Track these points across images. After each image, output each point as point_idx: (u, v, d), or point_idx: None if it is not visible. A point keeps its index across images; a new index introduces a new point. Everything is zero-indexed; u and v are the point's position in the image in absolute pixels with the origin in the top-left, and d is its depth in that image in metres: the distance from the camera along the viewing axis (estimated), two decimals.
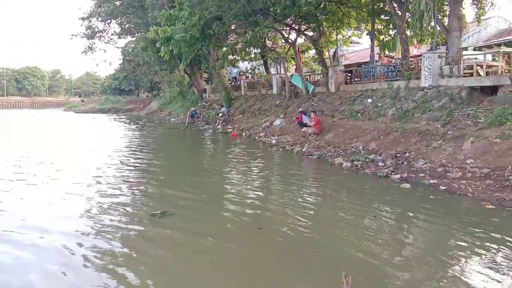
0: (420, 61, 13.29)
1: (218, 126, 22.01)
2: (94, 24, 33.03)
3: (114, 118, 36.88)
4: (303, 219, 6.40)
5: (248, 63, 29.69)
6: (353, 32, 22.79)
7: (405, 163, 9.69)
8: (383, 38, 18.54)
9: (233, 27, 20.81)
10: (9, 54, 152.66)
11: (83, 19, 32.41)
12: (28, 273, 4.59)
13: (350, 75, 17.74)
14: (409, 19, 13.87)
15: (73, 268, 4.67)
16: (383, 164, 9.94)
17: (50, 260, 4.93)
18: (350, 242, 5.49)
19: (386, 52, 18.57)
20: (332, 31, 20.15)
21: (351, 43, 24.71)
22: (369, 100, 13.90)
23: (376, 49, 18.38)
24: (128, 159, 12.66)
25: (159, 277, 4.52)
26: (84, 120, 34.75)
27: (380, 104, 13.33)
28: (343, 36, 22.69)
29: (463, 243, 5.26)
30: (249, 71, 31.15)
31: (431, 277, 4.35)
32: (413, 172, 9.05)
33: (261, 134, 17.19)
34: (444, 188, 7.88)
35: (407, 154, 10.09)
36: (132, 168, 11.19)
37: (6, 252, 5.17)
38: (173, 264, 4.90)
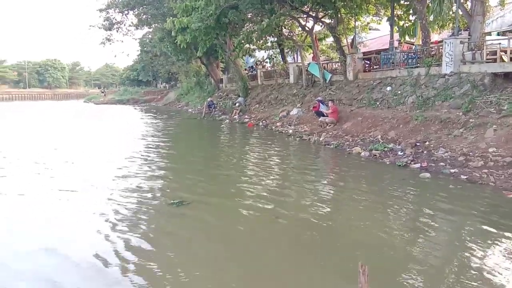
0: (441, 47, 12.91)
1: (235, 116, 22.02)
2: (111, 15, 33.26)
3: (136, 109, 37.35)
4: (321, 209, 6.38)
5: (265, 52, 29.45)
6: (371, 18, 22.25)
7: (425, 152, 9.51)
8: (403, 24, 18.06)
9: (249, 16, 20.66)
10: (31, 46, 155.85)
11: (100, 10, 32.67)
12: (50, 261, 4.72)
13: (368, 62, 17.43)
14: (430, 4, 13.48)
15: (93, 256, 4.78)
16: (402, 153, 9.79)
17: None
18: (368, 232, 5.45)
19: (406, 39, 18.12)
20: (350, 17, 19.70)
21: (370, 29, 24.13)
22: (388, 88, 13.63)
23: (396, 36, 17.95)
24: (147, 149, 12.84)
25: (175, 266, 4.58)
26: (105, 111, 35.24)
27: (399, 92, 13.06)
28: (361, 23, 22.20)
29: (484, 234, 5.15)
30: (266, 59, 30.91)
31: (450, 269, 4.28)
32: (433, 161, 8.88)
33: (278, 124, 17.13)
34: (465, 177, 7.71)
35: (427, 143, 9.90)
36: (151, 157, 11.33)
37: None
38: (190, 252, 4.97)
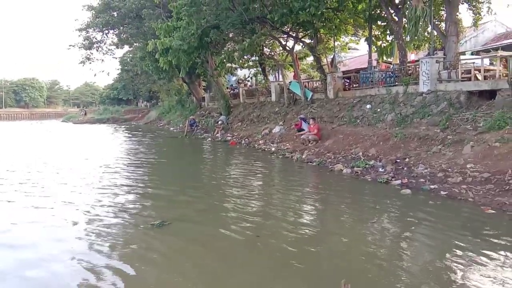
0: (418, 66, 13.32)
1: (217, 135, 21.98)
2: (91, 34, 33.09)
3: (116, 128, 36.84)
4: (303, 226, 6.35)
5: (248, 70, 29.76)
6: (350, 38, 22.92)
7: (405, 168, 9.66)
8: (381, 44, 18.62)
9: (230, 35, 20.92)
10: (7, 65, 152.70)
11: (80, 30, 32.48)
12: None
13: (348, 81, 17.79)
14: (406, 25, 13.94)
15: (70, 280, 4.60)
16: (383, 170, 9.90)
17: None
18: (350, 249, 5.44)
19: (384, 58, 18.64)
20: (330, 37, 20.22)
21: (349, 49, 24.80)
22: (368, 106, 13.90)
23: (374, 55, 18.45)
24: (126, 169, 12.59)
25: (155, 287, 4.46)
26: (84, 131, 34.65)
27: (379, 109, 13.33)
28: (340, 43, 22.81)
29: (464, 250, 5.20)
30: (248, 78, 31.21)
31: (433, 286, 4.29)
32: (413, 177, 9.01)
33: (261, 142, 17.16)
34: (445, 193, 7.83)
35: (407, 159, 10.06)
36: (131, 177, 11.12)
37: None
38: (170, 274, 4.82)
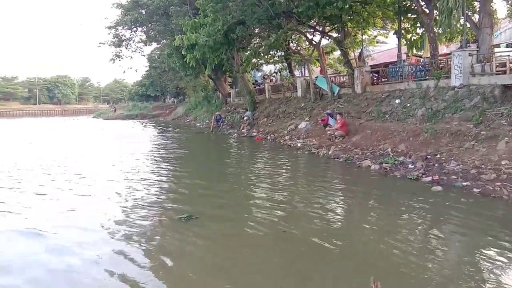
0: (449, 59, 12.89)
1: (243, 130, 22.06)
2: (120, 32, 33.87)
3: (144, 124, 37.61)
4: (330, 223, 6.30)
5: (274, 65, 29.69)
6: (379, 31, 22.41)
7: (436, 165, 9.39)
8: (411, 37, 18.14)
9: (256, 31, 20.89)
10: (41, 63, 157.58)
11: (110, 27, 33.30)
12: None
13: (377, 75, 17.43)
14: (437, 17, 13.51)
15: (98, 271, 4.75)
16: (413, 166, 9.68)
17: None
18: (379, 246, 5.35)
19: (414, 51, 18.16)
20: (358, 31, 19.86)
21: (377, 43, 24.26)
22: (397, 101, 13.58)
23: (404, 49, 17.99)
24: (156, 163, 12.88)
25: (183, 282, 4.53)
26: (114, 126, 35.51)
27: (408, 104, 13.00)
28: (368, 36, 22.34)
29: (499, 248, 5.03)
30: (273, 74, 31.12)
31: (464, 284, 4.17)
32: (444, 174, 8.76)
33: (286, 138, 17.10)
34: (478, 190, 7.59)
35: (438, 155, 9.78)
36: (160, 171, 11.35)
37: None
38: (197, 268, 4.89)
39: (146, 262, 5.03)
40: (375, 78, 17.30)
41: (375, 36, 23.22)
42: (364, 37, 20.68)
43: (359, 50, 20.15)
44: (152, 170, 11.71)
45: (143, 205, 7.63)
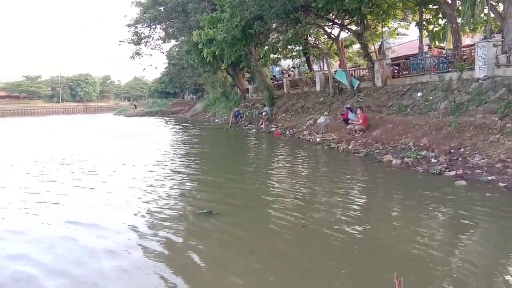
0: (473, 51, 12.53)
1: (262, 126, 22.05)
2: (140, 30, 34.28)
3: (164, 121, 38.05)
4: (350, 218, 6.23)
5: (292, 60, 29.51)
6: (399, 23, 21.96)
7: (460, 159, 9.17)
8: (432, 28, 17.70)
9: (274, 26, 20.79)
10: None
11: (129, 25, 33.74)
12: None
13: (397, 68, 17.11)
14: (460, 7, 13.14)
15: (121, 266, 4.84)
16: (436, 160, 9.48)
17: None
18: (401, 241, 5.28)
19: (436, 43, 17.73)
20: (377, 23, 19.51)
21: (397, 35, 23.81)
22: (419, 94, 13.31)
23: (425, 40, 17.59)
24: (175, 159, 13.02)
25: (204, 277, 4.56)
26: (135, 123, 36.00)
27: (431, 97, 12.73)
28: (389, 28, 21.93)
29: None
30: (291, 68, 30.96)
31: (489, 283, 4.07)
32: (469, 168, 8.55)
33: (305, 133, 17.01)
34: (504, 185, 7.38)
35: (462, 149, 9.55)
36: (179, 167, 11.46)
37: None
38: (217, 263, 4.92)
39: (167, 254, 5.12)
40: (396, 71, 16.99)
41: (396, 28, 22.78)
42: (384, 29, 20.33)
43: (379, 43, 19.81)
44: (174, 165, 11.84)
45: (166, 200, 7.74)
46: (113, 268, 4.79)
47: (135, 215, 6.86)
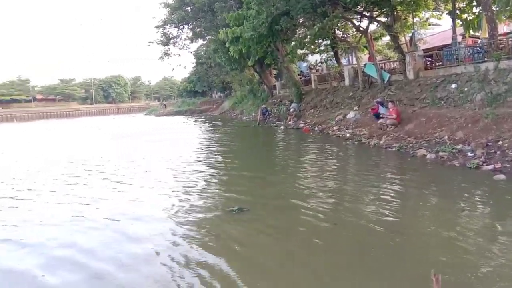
0: (510, 39, 11.95)
1: (290, 122, 21.93)
2: (168, 31, 34.86)
3: (193, 119, 38.57)
4: (384, 215, 6.09)
5: (319, 55, 29.15)
6: (431, 13, 21.19)
7: (498, 152, 8.78)
8: (466, 17, 16.98)
9: (300, 21, 20.57)
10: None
11: (157, 27, 34.37)
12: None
13: (430, 59, 16.55)
14: None
15: (152, 261, 4.92)
16: (472, 154, 9.12)
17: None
18: (437, 238, 5.11)
19: (471, 32, 17.02)
20: (408, 14, 18.90)
21: (429, 25, 22.98)
22: (453, 86, 12.83)
23: (459, 30, 16.93)
24: (204, 156, 13.21)
25: (234, 274, 4.55)
26: (166, 122, 36.67)
27: (466, 89, 12.24)
28: (420, 19, 21.20)
29: None
30: (319, 63, 30.59)
31: None
32: (508, 162, 8.17)
33: (334, 128, 16.78)
34: None
35: (500, 142, 9.13)
36: (209, 164, 11.59)
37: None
38: (247, 261, 4.92)
39: (199, 252, 5.16)
40: (428, 63, 16.45)
41: (427, 18, 21.97)
42: (415, 20, 19.67)
43: (410, 34, 19.21)
44: (204, 162, 12.02)
45: (197, 196, 7.85)
46: (140, 260, 4.89)
47: (167, 210, 6.96)
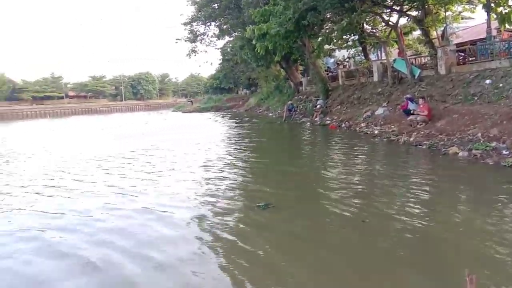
0: None
1: (316, 119, 21.73)
2: (195, 28, 35.19)
3: (219, 116, 38.86)
4: (413, 213, 5.92)
5: (347, 50, 28.73)
6: (464, 7, 20.47)
7: None
8: (501, 10, 16.26)
9: (328, 16, 20.31)
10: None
11: (185, 24, 34.75)
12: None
13: (463, 54, 16.00)
14: None
15: (179, 257, 4.98)
16: (507, 152, 8.77)
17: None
18: (469, 239, 4.93)
19: (506, 26, 16.30)
20: (440, 8, 18.33)
21: (462, 19, 22.23)
22: (488, 81, 12.35)
23: (494, 23, 16.26)
24: (231, 152, 13.26)
25: (261, 270, 4.56)
26: (193, 119, 37.11)
27: (501, 84, 11.76)
28: (452, 13, 20.53)
29: None
30: (347, 59, 30.15)
31: None
32: None
33: (362, 125, 16.50)
34: None
35: None
36: (235, 160, 11.63)
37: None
38: (274, 258, 4.88)
39: (230, 245, 5.20)
40: (461, 58, 15.91)
41: (460, 12, 21.25)
42: (447, 13, 19.07)
43: (442, 28, 18.65)
44: (231, 158, 12.09)
45: (219, 191, 7.91)
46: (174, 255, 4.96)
47: (195, 207, 7.02)
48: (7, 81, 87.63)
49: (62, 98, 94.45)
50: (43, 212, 7.19)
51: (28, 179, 10.27)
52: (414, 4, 16.97)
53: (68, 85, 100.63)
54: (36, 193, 8.64)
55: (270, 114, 32.26)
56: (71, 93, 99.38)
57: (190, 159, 12.17)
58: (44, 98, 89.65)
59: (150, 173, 10.20)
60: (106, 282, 4.43)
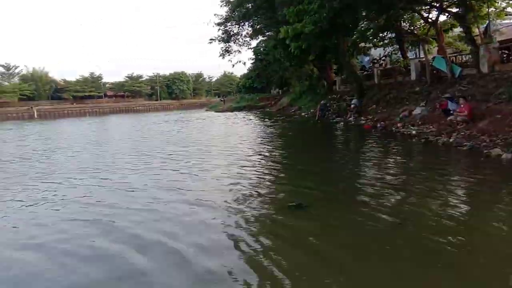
0: None
1: (350, 118, 21.40)
2: (229, 28, 35.44)
3: (252, 115, 38.99)
4: (452, 219, 5.69)
5: (383, 48, 28.06)
6: (508, 2, 19.51)
7: None
8: None
9: (364, 13, 19.94)
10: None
11: (219, 24, 35.08)
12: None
13: (507, 52, 15.28)
14: None
15: (210, 253, 5.02)
16: None
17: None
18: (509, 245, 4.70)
19: None
20: (482, 4, 17.58)
21: (506, 15, 21.18)
22: None
23: None
24: (264, 151, 13.31)
25: (292, 270, 4.51)
26: (226, 118, 37.43)
27: None
28: (495, 9, 19.61)
29: None
30: (383, 57, 29.45)
31: None
32: None
33: (399, 125, 16.08)
34: None
35: None
36: (268, 159, 11.67)
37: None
38: (306, 259, 4.82)
39: (262, 246, 5.19)
40: (505, 56, 15.20)
41: (504, 8, 20.26)
42: (490, 9, 18.24)
43: (485, 25, 17.85)
44: (264, 157, 12.13)
45: (251, 190, 7.90)
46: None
47: (226, 202, 7.08)
48: (50, 81, 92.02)
49: (101, 97, 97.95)
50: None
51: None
52: (455, 0, 16.37)
53: (107, 85, 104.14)
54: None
55: (303, 113, 32.01)
56: (109, 93, 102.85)
57: (226, 157, 12.31)
58: (83, 97, 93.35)
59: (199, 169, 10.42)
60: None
